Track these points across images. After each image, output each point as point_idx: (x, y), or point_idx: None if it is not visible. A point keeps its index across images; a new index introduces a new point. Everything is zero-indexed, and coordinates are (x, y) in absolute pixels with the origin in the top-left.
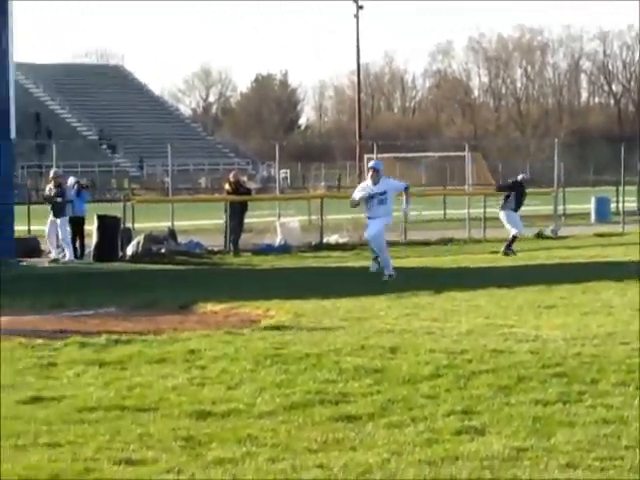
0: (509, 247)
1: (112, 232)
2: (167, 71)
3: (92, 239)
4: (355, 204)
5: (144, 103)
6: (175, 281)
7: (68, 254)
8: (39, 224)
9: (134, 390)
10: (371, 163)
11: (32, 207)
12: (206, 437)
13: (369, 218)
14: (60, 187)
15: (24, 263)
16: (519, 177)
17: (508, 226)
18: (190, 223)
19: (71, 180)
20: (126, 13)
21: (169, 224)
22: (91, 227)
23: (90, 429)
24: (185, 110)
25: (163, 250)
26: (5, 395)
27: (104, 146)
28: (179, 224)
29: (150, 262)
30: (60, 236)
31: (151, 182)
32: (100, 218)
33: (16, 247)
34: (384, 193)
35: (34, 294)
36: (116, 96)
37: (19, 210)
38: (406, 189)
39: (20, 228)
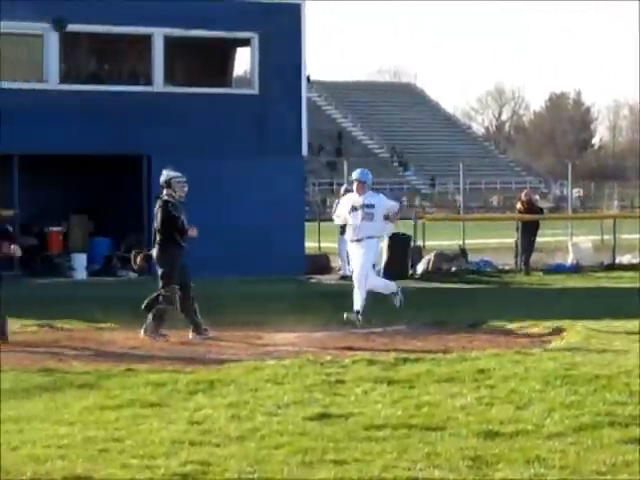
0: None
1: (403, 250)
2: (460, 90)
3: (382, 257)
4: (340, 222)
5: (436, 121)
6: (465, 300)
7: (343, 270)
8: (329, 241)
9: (422, 409)
10: (355, 175)
11: (322, 224)
12: (493, 457)
13: (353, 241)
14: None
15: (313, 280)
16: None
17: None
18: (481, 241)
19: None
20: (420, 31)
21: (460, 242)
22: (382, 245)
23: (377, 447)
24: (478, 129)
25: (453, 268)
26: (293, 411)
27: (395, 163)
28: (470, 242)
29: (440, 280)
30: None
31: (442, 200)
32: (391, 236)
33: (306, 264)
34: (372, 206)
35: (318, 311)
36: (408, 114)
37: (310, 227)
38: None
39: (310, 245)
